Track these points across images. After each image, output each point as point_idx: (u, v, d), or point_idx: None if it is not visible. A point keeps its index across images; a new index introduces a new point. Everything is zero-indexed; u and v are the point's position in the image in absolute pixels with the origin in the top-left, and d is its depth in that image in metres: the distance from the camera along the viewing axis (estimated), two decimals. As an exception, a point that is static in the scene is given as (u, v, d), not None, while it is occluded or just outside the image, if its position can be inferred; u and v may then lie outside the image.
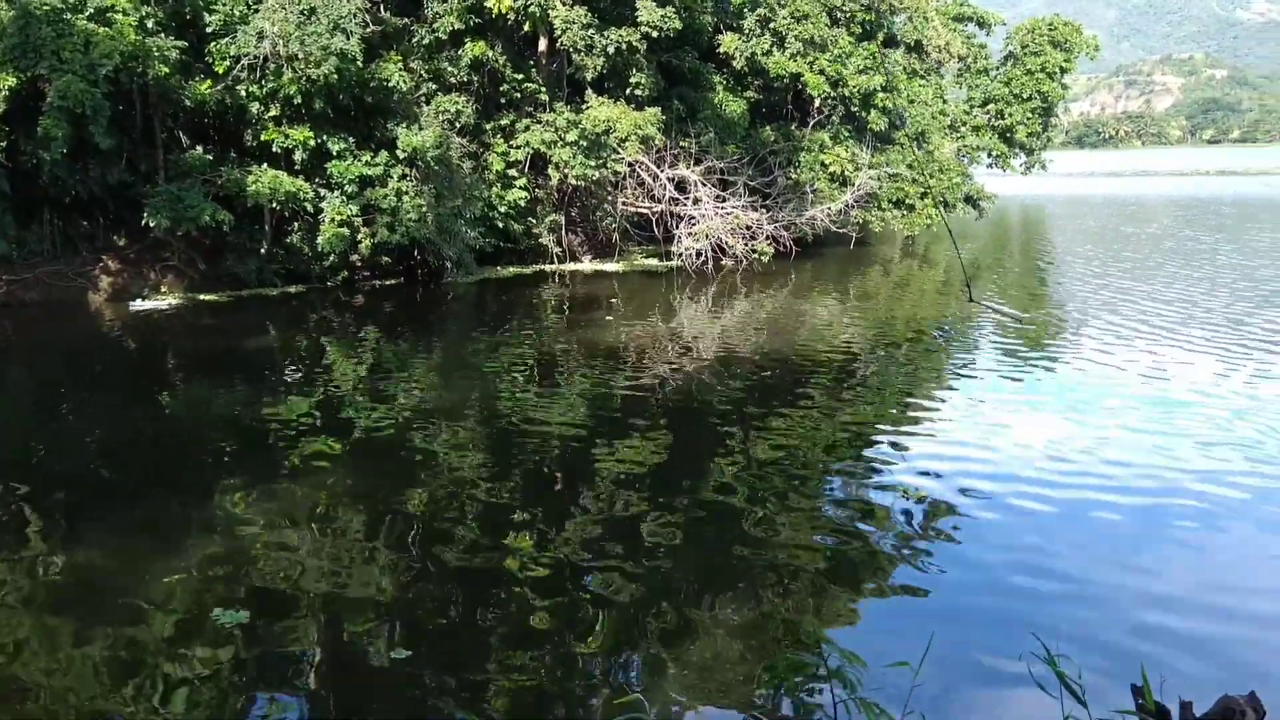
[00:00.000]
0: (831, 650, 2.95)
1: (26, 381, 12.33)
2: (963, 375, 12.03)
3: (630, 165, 21.00)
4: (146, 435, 9.52)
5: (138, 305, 16.46)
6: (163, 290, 17.22)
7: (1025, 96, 33.13)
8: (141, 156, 17.43)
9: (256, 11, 17.10)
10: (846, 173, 23.28)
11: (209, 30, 17.18)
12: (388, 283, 19.21)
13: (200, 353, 13.77)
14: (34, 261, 16.62)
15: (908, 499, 7.47)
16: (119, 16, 15.85)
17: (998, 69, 34.69)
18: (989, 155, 33.52)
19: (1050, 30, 33.27)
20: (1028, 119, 33.39)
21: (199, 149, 17.35)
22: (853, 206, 23.18)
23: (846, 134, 24.31)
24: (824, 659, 2.90)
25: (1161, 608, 5.68)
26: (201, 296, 17.14)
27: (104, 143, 15.43)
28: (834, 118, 24.43)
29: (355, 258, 18.77)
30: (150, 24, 16.54)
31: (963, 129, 32.93)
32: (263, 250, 18.09)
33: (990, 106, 33.90)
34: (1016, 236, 33.64)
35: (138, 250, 17.51)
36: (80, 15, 15.53)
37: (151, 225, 16.16)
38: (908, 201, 24.90)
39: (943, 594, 5.94)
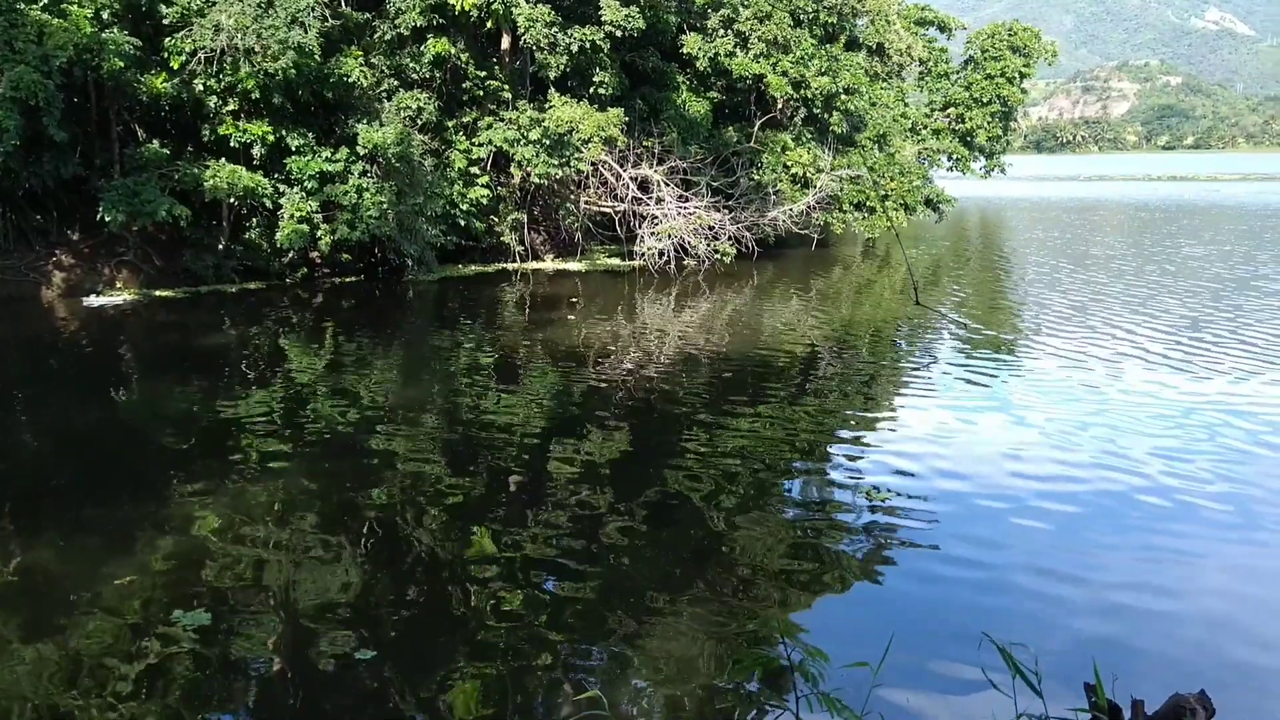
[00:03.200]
0: (795, 645, 2.98)
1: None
2: (921, 376, 12.18)
3: (593, 164, 21.00)
4: (100, 433, 9.37)
5: (92, 301, 16.17)
6: (118, 286, 16.94)
7: (985, 101, 33.60)
8: (96, 150, 17.12)
9: (213, 4, 16.87)
10: (808, 174, 23.45)
11: (165, 23, 16.93)
12: (347, 280, 19.05)
13: (156, 349, 13.56)
14: (-16, 256, 16.25)
15: (867, 499, 7.55)
16: (74, 8, 15.56)
17: (958, 73, 35.16)
18: (949, 158, 33.97)
19: (1010, 35, 33.76)
20: (987, 123, 33.85)
21: (155, 143, 17.07)
22: (814, 208, 23.36)
23: (809, 136, 24.49)
24: (788, 654, 2.92)
25: (1115, 608, 5.79)
26: (158, 292, 16.88)
27: (58, 135, 15.15)
28: (796, 119, 24.61)
29: (315, 254, 18.60)
30: (106, 15, 16.26)
31: (923, 132, 33.33)
32: (220, 246, 17.86)
33: (951, 110, 34.34)
34: (975, 239, 34.09)
35: (92, 245, 17.20)
36: (34, 6, 15.23)
37: (107, 220, 15.88)
38: (868, 204, 25.13)
39: (901, 594, 6.01)
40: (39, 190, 16.74)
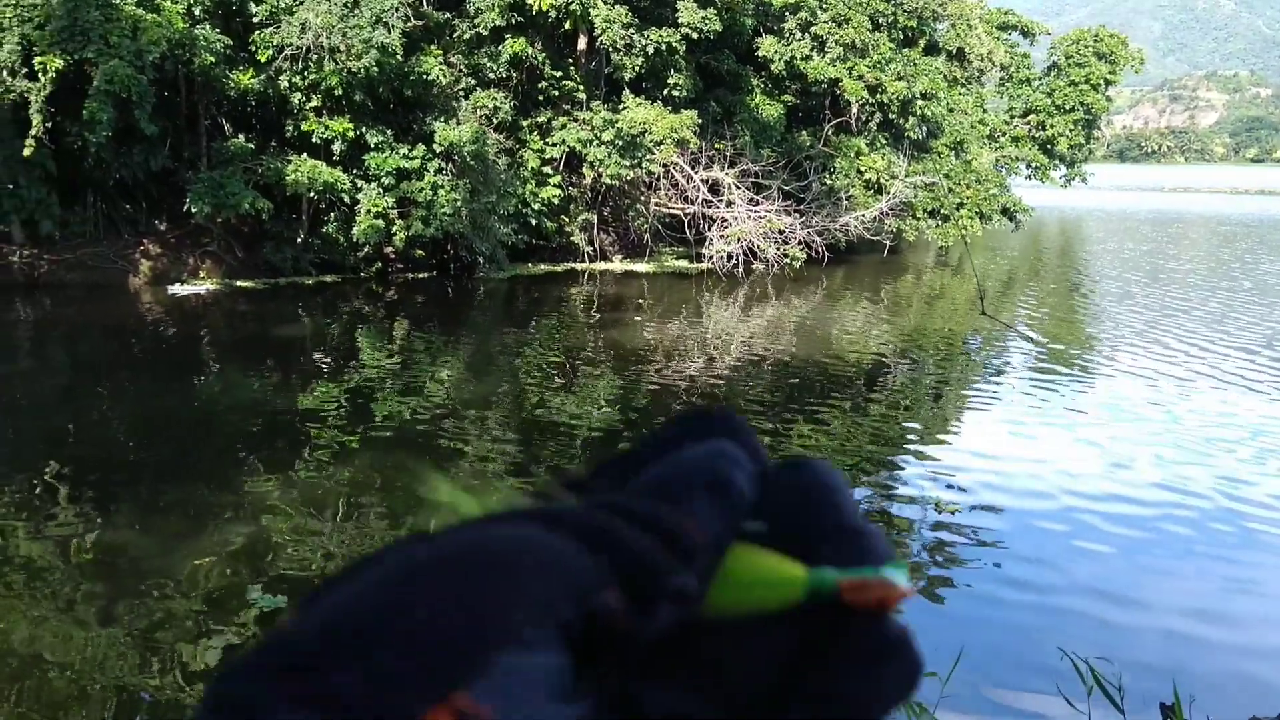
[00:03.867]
0: None
1: (64, 361, 12.54)
2: (988, 389, 11.95)
3: (664, 166, 21.01)
4: (179, 418, 9.66)
5: (176, 289, 16.70)
6: (201, 276, 17.46)
7: (1068, 108, 32.79)
8: (184, 143, 17.66)
9: (301, 3, 17.29)
10: (882, 180, 23.16)
11: (254, 19, 17.39)
12: (420, 276, 19.36)
13: (235, 338, 13.95)
14: (76, 243, 16.90)
15: (935, 509, 7.44)
16: (166, 4, 16.08)
17: (1040, 79, 34.37)
18: (1028, 166, 33.24)
19: (1095, 41, 32.91)
20: (1069, 131, 33.04)
21: (241, 137, 17.56)
22: (887, 214, 23.06)
23: (884, 141, 24.19)
24: None
25: (1182, 634, 5.65)
26: (238, 283, 17.35)
27: (148, 128, 15.67)
28: (871, 124, 24.32)
29: (389, 250, 18.93)
30: (197, 11, 16.77)
31: (1002, 139, 32.66)
32: (299, 240, 18.29)
33: (1031, 117, 33.59)
34: (1051, 250, 33.32)
35: (178, 235, 17.76)
36: (128, 1, 15.77)
37: (193, 211, 16.38)
38: (943, 211, 24.74)
39: (971, 605, 5.93)
40: (129, 181, 17.33)
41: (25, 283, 16.07)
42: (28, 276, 16.23)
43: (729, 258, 20.96)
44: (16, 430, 9.30)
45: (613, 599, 0.36)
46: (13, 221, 16.11)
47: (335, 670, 0.29)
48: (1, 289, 15.56)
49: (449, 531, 0.37)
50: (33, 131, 15.11)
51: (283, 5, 17.33)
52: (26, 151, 15.18)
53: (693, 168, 21.63)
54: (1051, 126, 32.81)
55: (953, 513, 7.39)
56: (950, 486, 8.03)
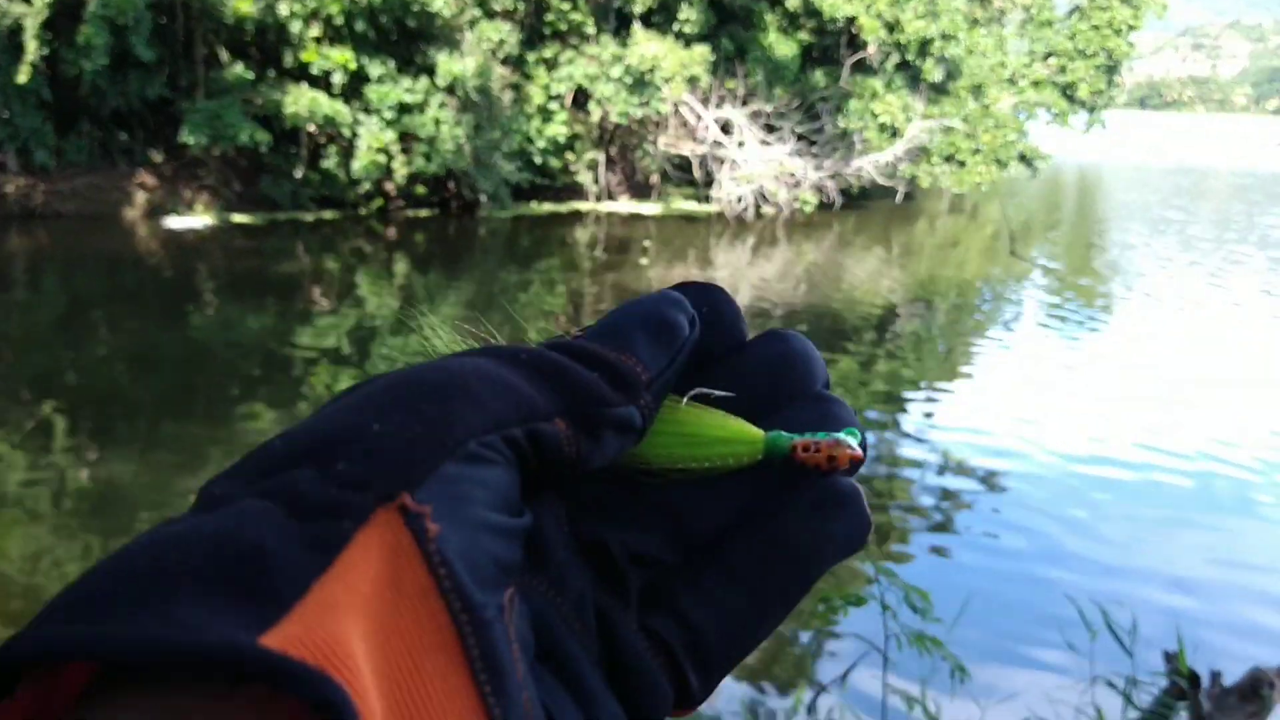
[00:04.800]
0: (893, 583, 2.90)
1: (60, 294, 12.32)
2: (1005, 336, 11.69)
3: (674, 105, 20.51)
4: (175, 353, 9.47)
5: (172, 223, 16.40)
6: (197, 209, 17.15)
7: (1089, 53, 31.98)
8: (181, 71, 17.23)
9: (301, -73, 16.73)
10: (897, 123, 22.61)
11: (252, -56, 16.85)
12: (421, 214, 19.03)
13: (232, 274, 13.68)
14: (71, 173, 16.57)
15: (944, 458, 7.29)
16: (162, -74, 15.55)
17: (1062, 22, 33.47)
18: (1048, 111, 32.47)
19: (1120, -16, 31.95)
20: (1091, 76, 32.26)
21: (239, 66, 17.09)
22: (902, 159, 22.56)
23: (900, 83, 23.57)
24: (881, 593, 2.99)
25: (1201, 581, 5.60)
26: (235, 218, 17.04)
27: (145, 55, 15.25)
28: (888, 65, 23.67)
29: (390, 186, 18.56)
30: (193, -65, 16.23)
31: (1022, 83, 31.87)
32: (298, 174, 17.92)
33: (1052, 61, 32.76)
34: (1070, 199, 32.78)
35: (174, 167, 17.41)
36: (123, -77, 15.24)
37: (190, 142, 16.01)
38: (959, 157, 24.20)
39: (978, 554, 5.89)
40: (125, 110, 16.93)
41: (20, 213, 15.79)
42: (23, 207, 15.94)
43: (739, 200, 20.54)
44: (11, 362, 9.18)
45: (560, 426, 0.38)
46: (8, 150, 15.78)
47: (296, 470, 0.31)
48: (-3, 219, 15.31)
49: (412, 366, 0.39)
50: (28, 58, 14.70)
51: (282, -71, 16.76)
52: (21, 78, 14.78)
53: (703, 106, 21.10)
54: (1073, 71, 32.00)
55: (960, 461, 7.23)
56: (962, 432, 7.85)
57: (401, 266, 14.48)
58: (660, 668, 0.41)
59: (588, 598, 0.41)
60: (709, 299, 0.49)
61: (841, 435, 0.44)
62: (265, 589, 0.27)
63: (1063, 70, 32.35)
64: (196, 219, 16.74)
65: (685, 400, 0.46)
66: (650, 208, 21.86)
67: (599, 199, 21.62)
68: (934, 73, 23.51)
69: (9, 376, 8.73)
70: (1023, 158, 26.29)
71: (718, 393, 0.46)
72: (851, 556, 0.43)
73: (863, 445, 0.45)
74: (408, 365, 0.38)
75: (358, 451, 0.33)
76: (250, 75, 17.05)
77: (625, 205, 22.08)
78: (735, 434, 0.44)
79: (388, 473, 0.32)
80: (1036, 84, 32.19)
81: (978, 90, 26.14)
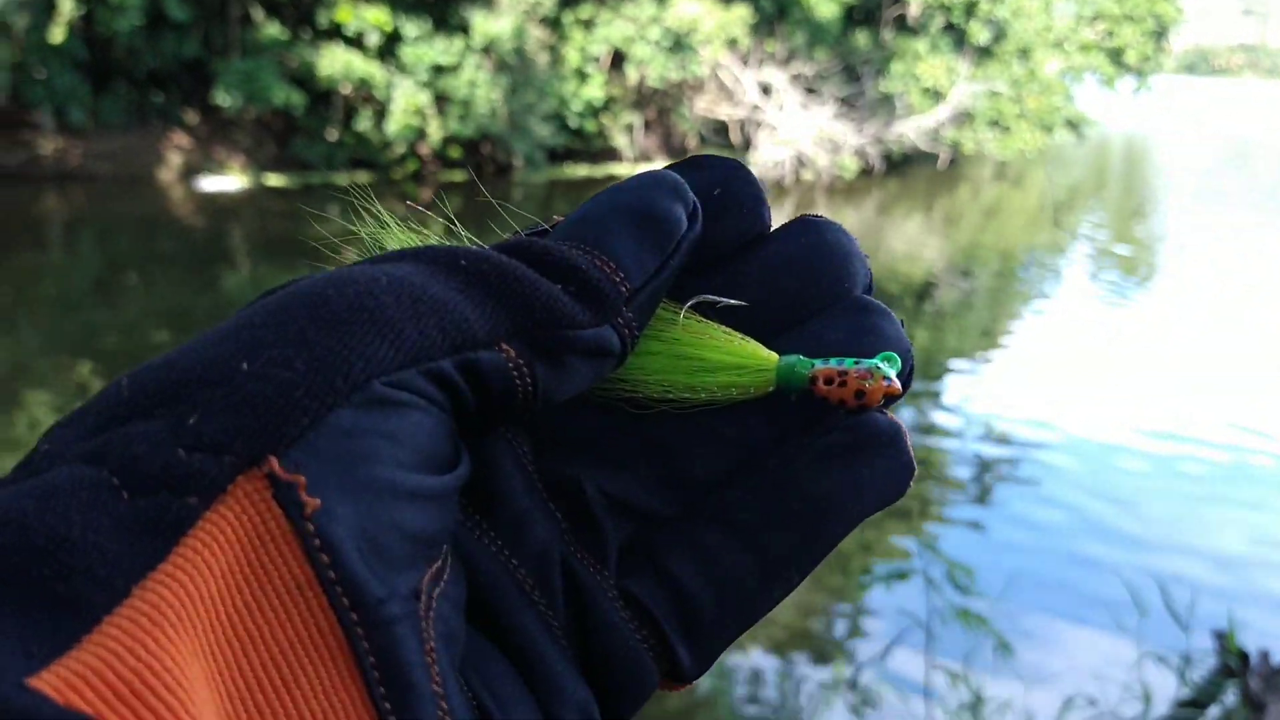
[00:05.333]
0: (937, 558, 2.83)
1: (96, 256, 12.36)
2: (1047, 306, 11.41)
3: (712, 67, 20.17)
4: (209, 316, 9.45)
5: (206, 185, 16.40)
6: (231, 171, 17.13)
7: (1138, 17, 31.08)
8: (216, 31, 17.13)
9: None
10: (941, 87, 22.08)
11: (287, -98, 16.67)
12: (455, 178, 18.89)
13: (266, 236, 13.66)
14: (107, 134, 16.60)
15: (983, 430, 7.12)
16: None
17: (1111, -15, 32.48)
18: (1095, 75, 31.60)
19: (1172, -56, 30.97)
20: (1139, 41, 31.36)
21: (274, 26, 16.97)
22: (945, 124, 22.07)
23: (945, 45, 22.98)
24: (924, 567, 2.90)
25: (1243, 559, 5.42)
26: (269, 180, 17.01)
27: (178, 15, 15.18)
28: (932, 27, 23.08)
29: (424, 150, 18.43)
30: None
31: (1068, 46, 31.00)
32: (332, 136, 17.83)
33: (1100, 24, 31.84)
34: (1117, 166, 32.03)
35: (209, 129, 17.39)
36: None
37: (225, 104, 15.96)
38: (1004, 123, 23.63)
39: (1016, 529, 5.76)
40: (160, 70, 16.90)
41: (56, 174, 15.85)
42: (59, 167, 16.00)
43: (777, 165, 20.21)
44: (48, 324, 9.22)
45: (507, 353, 0.33)
46: (44, 111, 15.81)
47: (138, 423, 0.25)
48: (33, 180, 15.37)
49: (322, 274, 0.34)
50: (63, 17, 14.66)
51: (316, -114, 16.55)
52: (57, 38, 14.76)
53: (742, 68, 20.72)
54: (1120, 35, 31.12)
55: (999, 433, 7.07)
56: (1003, 406, 7.66)
57: (436, 229, 14.34)
58: (643, 640, 0.35)
59: (553, 555, 0.34)
60: (721, 178, 0.40)
61: (876, 362, 0.36)
62: (64, 598, 0.20)
63: (1110, 34, 31.45)
64: (230, 180, 16.72)
65: (684, 311, 0.38)
66: (686, 172, 21.50)
67: (634, 163, 21.37)
68: (980, 35, 22.89)
69: (47, 338, 8.77)
70: (1069, 123, 25.64)
71: (726, 300, 0.38)
72: (887, 508, 0.36)
73: (908, 373, 0.37)
74: (312, 276, 0.32)
75: (218, 400, 0.25)
76: (285, 36, 16.91)
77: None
78: (743, 358, 0.36)
79: (253, 429, 0.25)
80: (1084, 48, 31.32)
81: (1024, 54, 25.45)
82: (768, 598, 0.35)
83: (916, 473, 0.35)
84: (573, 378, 0.33)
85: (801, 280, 0.38)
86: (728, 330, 0.37)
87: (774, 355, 0.36)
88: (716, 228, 0.38)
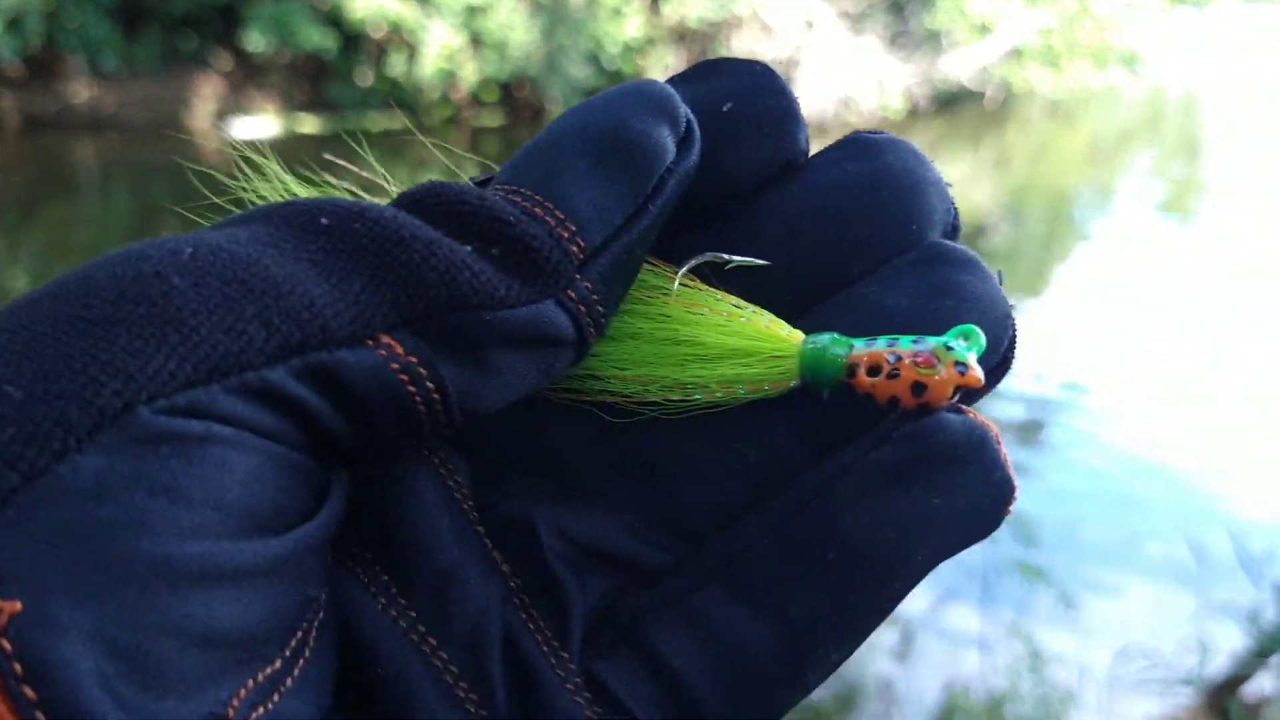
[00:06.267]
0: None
1: (129, 204, 12.30)
2: (1098, 249, 10.97)
3: (752, 6, 19.58)
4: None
5: (239, 131, 16.26)
6: (264, 116, 16.97)
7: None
8: (246, -26, 16.86)
9: None
10: (990, 22, 21.27)
11: None
12: (490, 124, 18.58)
13: (297, 183, 13.53)
14: (140, 80, 16.48)
15: (1033, 378, 6.84)
16: None
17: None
18: (1150, 10, 30.28)
19: None
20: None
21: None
22: (994, 61, 21.30)
23: (994, -21, 22.09)
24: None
25: None
26: (301, 128, 16.83)
27: (207, -43, 14.92)
28: (982, -41, 22.19)
29: (458, 93, 18.11)
30: None
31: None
32: (365, 80, 17.57)
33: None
34: (1174, 106, 30.91)
35: (241, 74, 17.22)
36: None
37: (256, 49, 15.75)
38: (1055, 60, 22.77)
39: (1073, 478, 5.55)
40: (191, 15, 16.70)
41: (91, 121, 15.79)
42: (93, 115, 15.93)
43: (820, 105, 19.64)
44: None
45: (391, 348, 0.24)
46: (78, 58, 15.71)
47: None
48: (68, 128, 15.32)
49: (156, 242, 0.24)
50: (92, -39, 14.50)
51: None
52: (87, -18, 14.61)
53: (783, 6, 20.07)
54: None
55: (1051, 378, 6.79)
56: (1051, 353, 7.35)
57: (467, 176, 14.17)
58: None
59: (491, 630, 0.25)
60: (735, 89, 0.29)
61: (945, 340, 0.26)
62: None
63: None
64: (263, 125, 16.55)
65: (679, 277, 0.27)
66: (725, 115, 21.04)
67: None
68: (1032, -33, 22.00)
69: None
70: (1123, 60, 24.65)
71: (740, 260, 0.27)
72: (978, 543, 0.26)
73: (1005, 351, 0.27)
74: (110, 255, 0.22)
75: None
76: (316, -23, 16.62)
77: (699, 112, 21.28)
78: (757, 341, 0.26)
79: None
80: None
81: (1078, -14, 24.45)
82: (795, 685, 0.25)
83: (1018, 494, 0.25)
84: (506, 378, 0.23)
85: (850, 224, 0.26)
86: (738, 302, 0.26)
87: (798, 335, 0.26)
88: (727, 156, 0.28)
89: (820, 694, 4.18)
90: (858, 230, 0.25)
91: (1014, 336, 0.24)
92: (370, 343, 0.21)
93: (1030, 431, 6.15)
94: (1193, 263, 10.25)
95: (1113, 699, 3.52)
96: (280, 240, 0.21)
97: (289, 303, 0.20)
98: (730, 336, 0.25)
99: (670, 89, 0.27)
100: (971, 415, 0.24)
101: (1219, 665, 3.40)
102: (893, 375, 0.24)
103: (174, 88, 16.68)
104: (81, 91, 15.89)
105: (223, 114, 16.75)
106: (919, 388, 0.24)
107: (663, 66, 20.41)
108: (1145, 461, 5.73)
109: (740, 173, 0.26)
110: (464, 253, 0.22)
